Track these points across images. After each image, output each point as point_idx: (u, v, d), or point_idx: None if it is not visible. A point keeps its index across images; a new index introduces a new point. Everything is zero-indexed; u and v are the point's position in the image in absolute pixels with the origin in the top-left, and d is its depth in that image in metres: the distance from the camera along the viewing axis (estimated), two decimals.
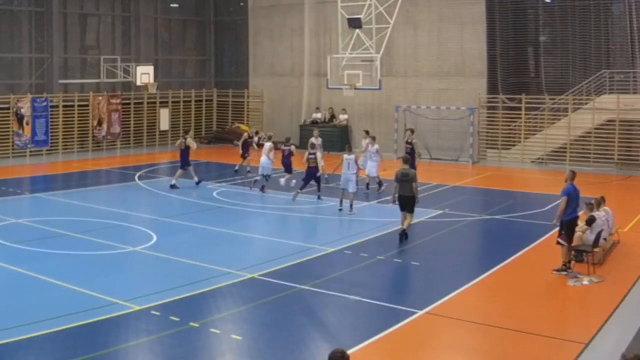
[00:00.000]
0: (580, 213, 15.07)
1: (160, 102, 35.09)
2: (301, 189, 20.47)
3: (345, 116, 33.46)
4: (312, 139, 22.20)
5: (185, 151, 22.87)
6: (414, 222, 16.83)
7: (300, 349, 10.19)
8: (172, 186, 22.35)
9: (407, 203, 15.99)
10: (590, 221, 14.28)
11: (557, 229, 14.01)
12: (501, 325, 11.04)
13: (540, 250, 15.48)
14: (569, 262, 13.65)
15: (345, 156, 19.40)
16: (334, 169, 20.84)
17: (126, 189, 23.33)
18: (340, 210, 18.99)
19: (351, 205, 18.82)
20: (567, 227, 13.64)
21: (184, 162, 22.88)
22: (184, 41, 38.70)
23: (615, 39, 28.71)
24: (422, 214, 18.37)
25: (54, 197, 21.16)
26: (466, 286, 12.97)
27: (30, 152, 30.30)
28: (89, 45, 34.37)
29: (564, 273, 13.49)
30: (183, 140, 23.04)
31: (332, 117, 34.04)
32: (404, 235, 15.93)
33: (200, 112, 37.18)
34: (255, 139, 26.66)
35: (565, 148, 28.60)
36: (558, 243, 13.75)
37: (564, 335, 10.71)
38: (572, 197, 13.71)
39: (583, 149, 28.33)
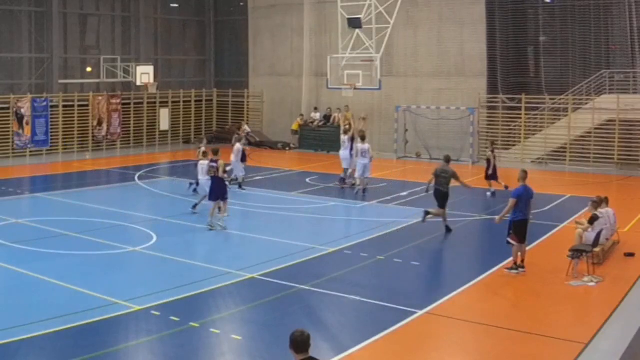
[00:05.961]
0: (584, 211, 15.09)
1: (160, 102, 35.07)
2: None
3: (337, 114, 33.38)
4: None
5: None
6: (414, 222, 16.93)
7: None
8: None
9: (440, 197, 17.04)
10: (593, 219, 14.31)
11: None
12: (501, 325, 11.04)
13: (540, 251, 15.49)
14: (522, 261, 13.86)
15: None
16: None
17: (126, 189, 23.32)
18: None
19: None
20: (516, 227, 13.81)
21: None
22: (184, 41, 38.67)
23: (615, 39, 28.69)
24: (422, 214, 18.33)
25: (54, 197, 21.14)
26: (466, 286, 12.98)
27: (30, 152, 30.28)
28: (89, 45, 34.36)
29: (514, 272, 13.71)
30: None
31: (327, 117, 33.88)
32: (448, 229, 16.93)
33: (200, 112, 37.16)
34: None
35: (565, 148, 28.58)
36: (508, 243, 13.93)
37: (564, 335, 10.70)
38: (522, 198, 13.80)
39: (583, 149, 28.30)
